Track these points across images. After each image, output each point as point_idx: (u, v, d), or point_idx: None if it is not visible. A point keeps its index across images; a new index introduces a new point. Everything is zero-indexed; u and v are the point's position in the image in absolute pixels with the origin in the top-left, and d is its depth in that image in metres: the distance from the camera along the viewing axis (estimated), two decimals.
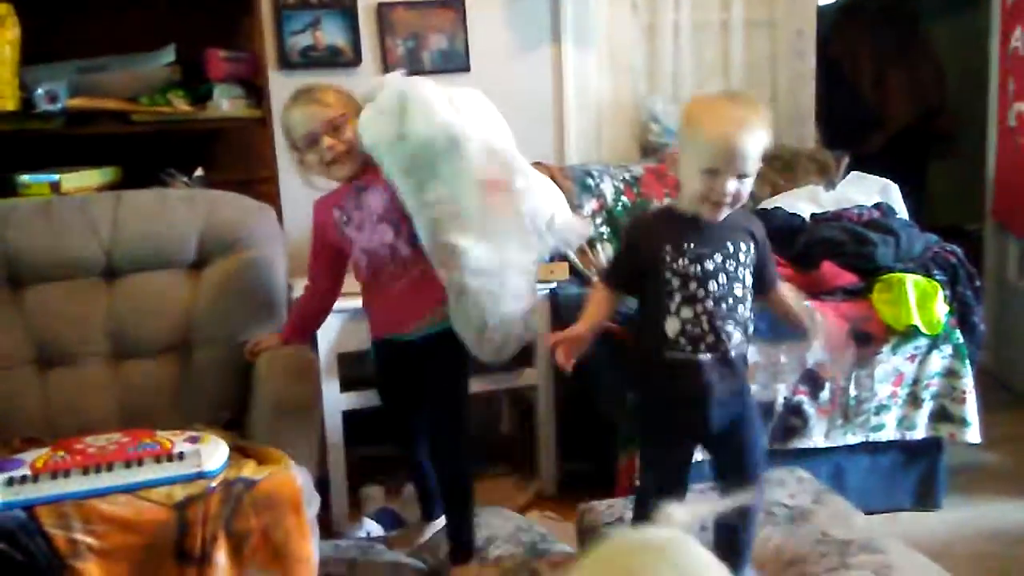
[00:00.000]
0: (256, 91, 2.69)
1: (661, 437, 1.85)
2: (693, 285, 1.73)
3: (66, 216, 2.23)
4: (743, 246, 1.77)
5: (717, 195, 1.70)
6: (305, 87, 2.11)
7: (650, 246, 1.76)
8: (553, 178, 3.06)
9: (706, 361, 1.74)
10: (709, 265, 1.73)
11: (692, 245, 1.74)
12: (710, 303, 1.73)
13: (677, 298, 1.73)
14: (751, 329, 1.81)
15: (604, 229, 3.07)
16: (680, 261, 1.73)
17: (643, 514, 1.87)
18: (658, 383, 1.80)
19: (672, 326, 1.74)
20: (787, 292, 1.90)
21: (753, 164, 1.72)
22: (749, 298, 1.78)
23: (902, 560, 1.86)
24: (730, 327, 1.74)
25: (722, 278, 1.73)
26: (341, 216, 2.07)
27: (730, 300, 1.75)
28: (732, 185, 1.69)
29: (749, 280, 1.78)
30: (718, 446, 1.85)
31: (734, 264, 1.75)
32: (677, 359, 1.74)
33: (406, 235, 2.01)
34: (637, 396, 1.92)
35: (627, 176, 3.14)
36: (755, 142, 1.71)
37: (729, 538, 1.80)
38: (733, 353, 1.76)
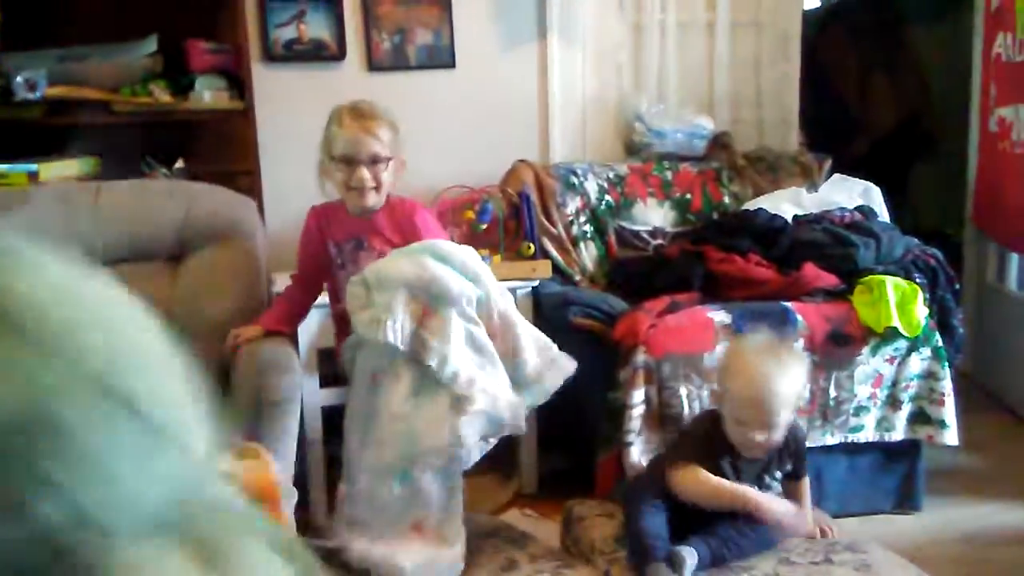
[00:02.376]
0: (239, 83, 2.67)
1: None
2: None
3: (44, 206, 2.21)
4: (776, 468, 1.95)
5: (749, 444, 1.85)
6: (363, 106, 2.07)
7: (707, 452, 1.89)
8: (537, 176, 3.07)
9: None
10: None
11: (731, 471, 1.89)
12: None
13: None
14: None
15: (588, 228, 3.07)
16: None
17: None
18: None
19: None
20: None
21: (785, 415, 1.84)
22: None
23: (882, 559, 1.88)
24: None
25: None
26: (336, 256, 2.10)
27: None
28: (761, 436, 1.83)
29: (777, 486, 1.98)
30: None
31: (768, 480, 1.95)
32: None
33: None
34: None
35: (611, 175, 3.14)
36: (783, 397, 1.83)
37: None
38: None
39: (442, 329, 1.85)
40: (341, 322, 2.11)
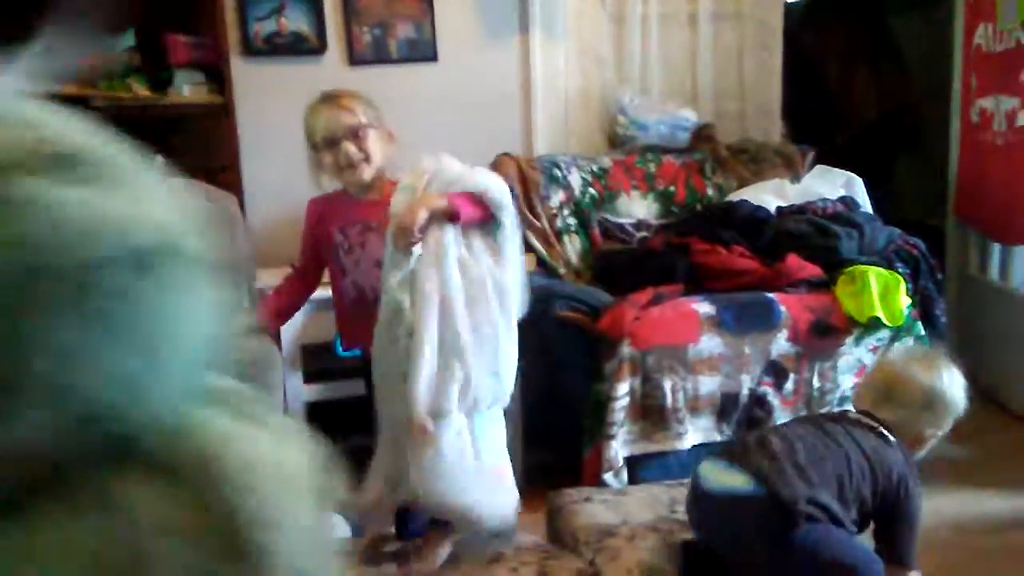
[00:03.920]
0: (218, 77, 2.65)
1: None
2: None
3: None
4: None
5: None
6: (332, 91, 2.07)
7: None
8: (520, 169, 3.06)
9: None
10: None
11: None
12: None
13: None
14: None
15: (571, 221, 3.06)
16: None
17: None
18: None
19: None
20: None
21: None
22: None
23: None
24: None
25: None
26: (342, 241, 2.07)
27: None
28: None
29: None
30: None
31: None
32: None
33: None
34: None
35: (595, 168, 3.14)
36: None
37: None
38: None
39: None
40: (344, 310, 2.09)
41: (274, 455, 0.59)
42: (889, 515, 1.64)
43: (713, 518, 1.67)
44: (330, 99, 2.05)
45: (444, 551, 1.89)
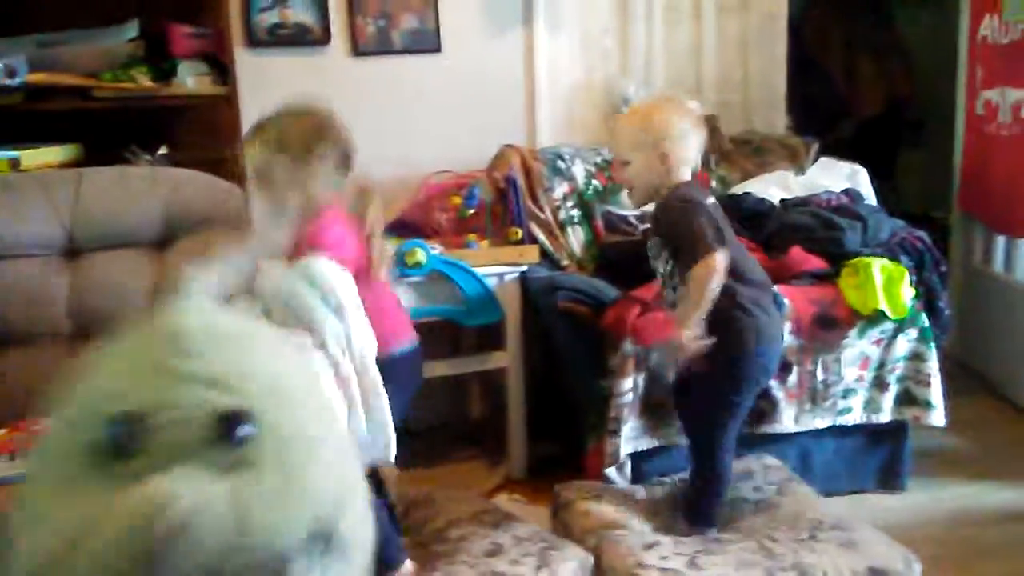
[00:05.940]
0: (222, 68, 2.64)
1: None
2: None
3: (25, 193, 2.18)
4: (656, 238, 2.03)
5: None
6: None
7: None
8: (524, 160, 3.06)
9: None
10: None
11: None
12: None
13: None
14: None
15: (575, 213, 3.06)
16: None
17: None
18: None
19: None
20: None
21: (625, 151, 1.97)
22: (670, 282, 2.00)
23: (868, 538, 1.89)
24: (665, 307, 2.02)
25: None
26: None
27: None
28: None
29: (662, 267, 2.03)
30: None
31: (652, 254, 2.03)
32: None
33: None
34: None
35: (599, 160, 3.13)
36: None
37: (689, 500, 2.02)
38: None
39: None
40: None
41: None
42: None
43: None
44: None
45: None
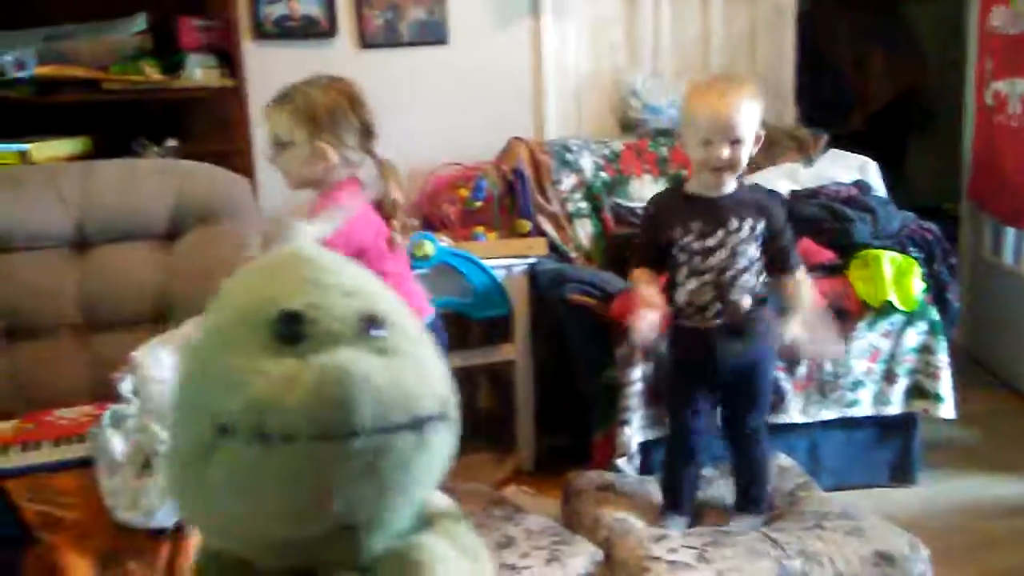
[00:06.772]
0: (230, 61, 2.65)
1: (676, 387, 2.14)
2: (697, 259, 1.94)
3: (35, 186, 2.18)
4: (749, 221, 1.95)
5: (716, 163, 1.90)
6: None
7: (664, 224, 1.97)
8: (532, 153, 3.05)
9: (712, 328, 1.97)
10: (711, 242, 1.93)
11: (697, 223, 1.94)
12: (714, 275, 1.93)
13: (684, 271, 1.96)
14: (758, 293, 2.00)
15: (583, 205, 3.05)
16: (686, 238, 1.95)
17: (669, 458, 2.17)
18: (675, 345, 2.08)
19: (680, 296, 1.98)
20: (803, 290, 2.01)
21: (745, 129, 1.90)
22: (755, 268, 1.96)
23: (873, 524, 1.89)
24: (736, 295, 1.94)
25: (723, 253, 1.93)
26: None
27: (733, 271, 1.94)
28: (726, 152, 1.88)
29: (755, 253, 1.96)
30: (730, 393, 2.10)
31: (736, 240, 1.94)
32: (685, 326, 2.00)
33: None
34: (666, 354, 2.16)
35: (606, 152, 3.13)
36: (740, 108, 1.90)
37: (746, 488, 2.09)
38: (744, 317, 1.97)
39: None
40: None
41: None
42: None
43: None
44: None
45: None
